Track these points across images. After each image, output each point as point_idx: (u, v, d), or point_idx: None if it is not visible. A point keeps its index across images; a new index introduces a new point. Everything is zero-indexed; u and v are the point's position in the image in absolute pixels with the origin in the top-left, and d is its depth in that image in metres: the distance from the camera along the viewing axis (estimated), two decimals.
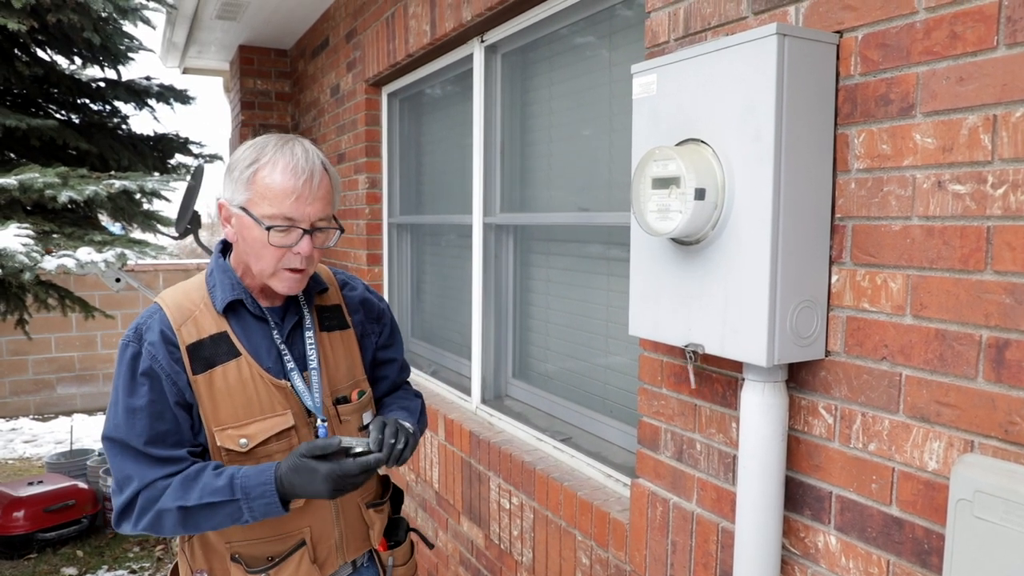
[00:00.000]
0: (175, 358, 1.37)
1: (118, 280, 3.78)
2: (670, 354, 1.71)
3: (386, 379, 1.71)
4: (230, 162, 1.41)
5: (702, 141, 1.36)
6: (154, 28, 4.75)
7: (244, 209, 1.36)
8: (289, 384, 1.44)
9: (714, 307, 1.36)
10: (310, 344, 1.49)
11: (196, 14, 4.68)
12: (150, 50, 5.13)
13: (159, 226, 4.66)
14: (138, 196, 4.00)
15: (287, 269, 1.38)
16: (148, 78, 4.94)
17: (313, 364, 1.47)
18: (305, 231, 1.36)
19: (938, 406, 1.17)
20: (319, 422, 1.45)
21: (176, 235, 3.34)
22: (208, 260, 1.57)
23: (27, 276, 3.26)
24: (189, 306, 1.42)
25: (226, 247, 1.50)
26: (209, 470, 1.36)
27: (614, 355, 2.29)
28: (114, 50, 4.57)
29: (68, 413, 7.28)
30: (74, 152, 4.51)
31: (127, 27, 4.56)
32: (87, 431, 6.55)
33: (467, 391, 3.04)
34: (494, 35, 2.74)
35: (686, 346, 1.42)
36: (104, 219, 4.61)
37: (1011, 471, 1.04)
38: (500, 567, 2.56)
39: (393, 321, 1.73)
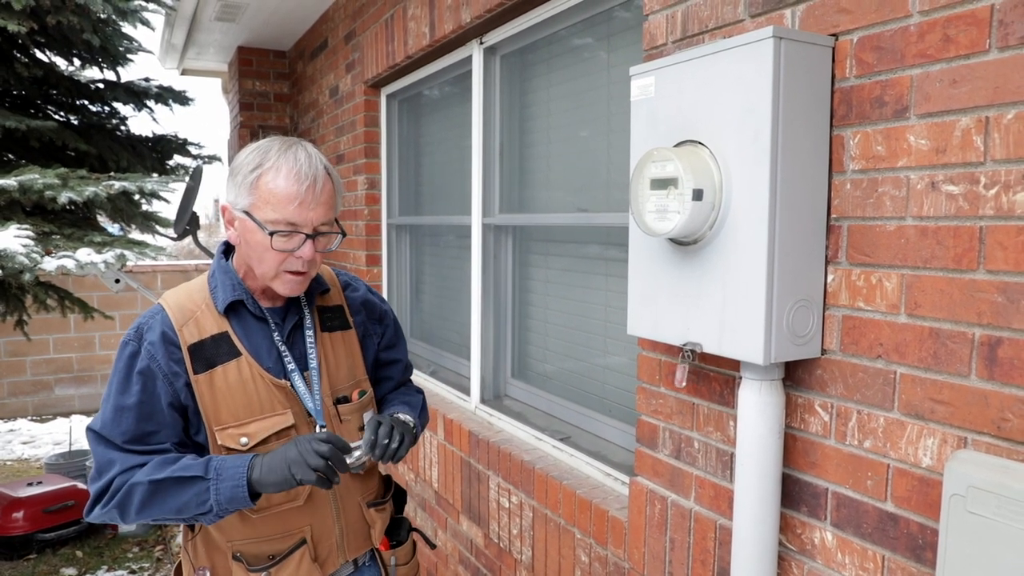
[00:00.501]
0: (175, 358, 1.38)
1: (117, 281, 3.78)
2: (668, 353, 1.73)
3: (390, 379, 1.72)
4: (233, 165, 1.42)
5: (700, 142, 1.38)
6: (153, 29, 4.76)
7: (247, 213, 1.37)
8: (289, 384, 1.45)
9: (712, 306, 1.38)
10: (310, 344, 1.50)
11: (195, 16, 4.69)
12: (149, 51, 5.13)
13: (158, 227, 4.66)
14: (137, 197, 4.01)
15: (289, 272, 1.40)
16: (147, 79, 4.95)
17: (313, 364, 1.49)
18: (308, 236, 1.37)
19: (932, 403, 1.19)
20: (318, 428, 1.46)
21: (175, 236, 3.34)
22: (207, 260, 1.59)
23: (27, 277, 3.27)
24: (191, 307, 1.43)
25: (228, 248, 1.51)
26: (193, 455, 1.38)
27: (612, 355, 2.31)
28: (113, 51, 4.58)
29: (66, 414, 7.26)
30: (73, 153, 4.51)
31: (126, 28, 4.57)
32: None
33: (466, 391, 3.05)
34: (493, 37, 2.75)
35: (684, 345, 1.44)
36: (102, 220, 4.61)
37: (1004, 467, 1.05)
38: (499, 566, 2.57)
39: (396, 322, 1.74)
